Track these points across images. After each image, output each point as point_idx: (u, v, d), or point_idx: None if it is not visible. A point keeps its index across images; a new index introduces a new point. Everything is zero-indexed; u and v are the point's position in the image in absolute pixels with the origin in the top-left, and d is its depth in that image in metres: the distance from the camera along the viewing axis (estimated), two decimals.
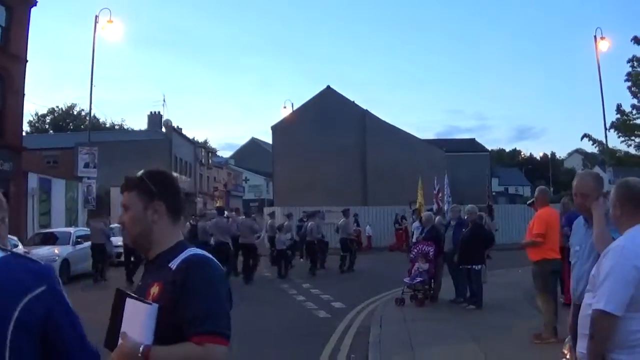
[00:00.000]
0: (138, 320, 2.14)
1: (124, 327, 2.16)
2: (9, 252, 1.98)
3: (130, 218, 2.40)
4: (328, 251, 21.72)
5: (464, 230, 12.22)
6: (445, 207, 23.50)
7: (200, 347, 2.10)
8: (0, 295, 1.84)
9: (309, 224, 20.85)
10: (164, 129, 53.63)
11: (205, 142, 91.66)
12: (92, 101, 28.60)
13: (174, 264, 2.25)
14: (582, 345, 3.09)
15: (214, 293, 2.20)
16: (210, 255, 2.32)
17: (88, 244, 20.09)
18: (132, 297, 2.22)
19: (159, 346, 2.11)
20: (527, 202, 10.44)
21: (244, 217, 19.63)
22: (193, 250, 2.31)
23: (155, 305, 2.16)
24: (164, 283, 2.23)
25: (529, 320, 9.55)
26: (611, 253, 3.05)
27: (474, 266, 11.60)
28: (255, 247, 18.38)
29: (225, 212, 20.88)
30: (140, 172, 2.44)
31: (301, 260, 21.97)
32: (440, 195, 23.86)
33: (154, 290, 2.24)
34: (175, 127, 55.31)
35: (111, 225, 21.46)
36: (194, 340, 2.11)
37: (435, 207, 23.04)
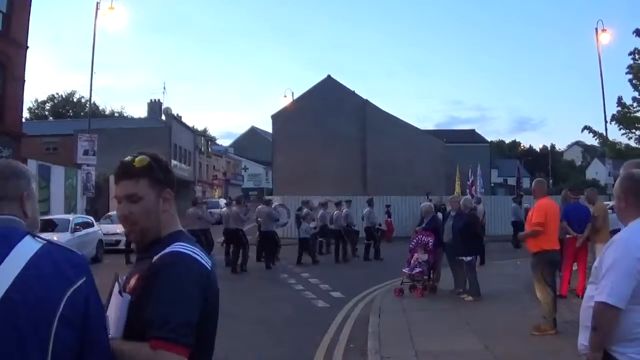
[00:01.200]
0: (115, 309, 2.11)
1: (108, 313, 2.11)
2: (46, 241, 1.91)
3: (143, 209, 2.22)
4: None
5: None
6: (478, 197, 24.01)
7: (152, 352, 1.94)
8: (47, 288, 1.80)
9: (335, 212, 21.10)
10: (163, 117, 53.59)
11: (205, 130, 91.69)
12: (92, 88, 28.55)
13: (156, 257, 2.13)
14: (584, 338, 3.08)
15: (181, 296, 2.01)
16: (196, 252, 2.15)
17: (87, 230, 20.16)
18: (118, 283, 2.18)
19: (120, 340, 2.03)
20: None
21: (263, 205, 19.78)
22: (177, 246, 2.15)
23: (127, 298, 2.09)
24: (141, 276, 2.13)
25: (528, 312, 9.56)
26: (614, 245, 3.03)
27: (464, 257, 11.59)
28: (274, 235, 19.00)
29: (231, 202, 20.80)
30: (139, 157, 2.25)
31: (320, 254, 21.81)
32: (474, 186, 24.58)
33: (133, 281, 2.16)
34: (175, 115, 55.24)
35: (109, 213, 21.42)
36: (151, 344, 1.95)
37: (469, 197, 23.73)
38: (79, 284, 1.86)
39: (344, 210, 21.02)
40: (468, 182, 25.13)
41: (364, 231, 21.47)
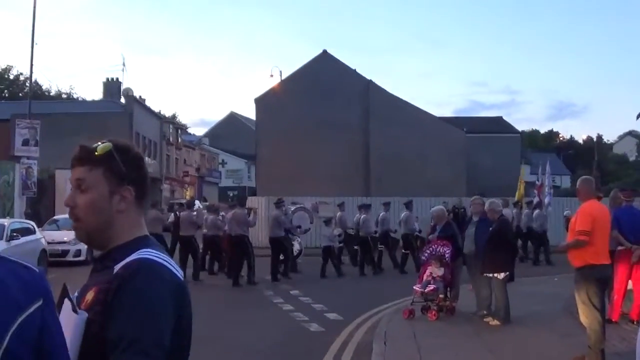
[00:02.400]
0: (68, 326, 2.05)
1: None
2: None
3: (89, 202, 2.23)
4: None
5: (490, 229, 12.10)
6: (547, 200, 24.31)
7: None
8: None
9: (362, 217, 21.82)
10: (123, 100, 53.42)
11: (174, 116, 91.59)
12: (34, 63, 28.37)
13: (118, 266, 2.12)
14: None
15: (152, 311, 2.02)
16: (166, 260, 2.17)
17: (27, 238, 20.00)
18: (69, 299, 2.15)
19: None
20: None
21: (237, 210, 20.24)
22: (144, 253, 2.15)
23: (83, 316, 2.06)
24: (100, 289, 2.11)
25: (568, 340, 9.51)
26: None
27: (495, 274, 11.51)
28: (282, 241, 19.85)
29: (228, 205, 22.03)
30: (103, 144, 2.26)
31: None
32: (542, 187, 25.00)
33: (89, 296, 2.14)
34: (138, 97, 55.13)
35: (55, 217, 21.33)
36: None
37: (536, 199, 24.14)
38: (32, 309, 1.78)
39: (380, 215, 22.29)
40: (537, 183, 25.50)
41: (380, 238, 22.21)
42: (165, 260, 2.16)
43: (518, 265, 20.35)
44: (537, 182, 25.80)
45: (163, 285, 2.09)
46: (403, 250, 21.67)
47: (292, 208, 22.82)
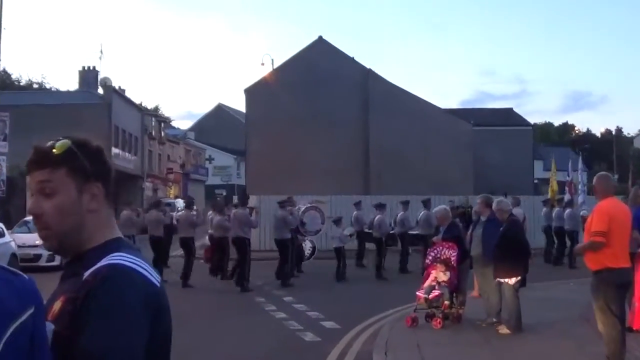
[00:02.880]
0: None
1: None
2: None
3: (58, 207, 2.20)
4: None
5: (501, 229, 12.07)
6: (580, 199, 24.43)
7: None
8: None
9: (377, 217, 22.14)
10: (101, 90, 53.32)
11: (157, 108, 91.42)
12: (1, 50, 28.22)
13: (87, 273, 2.10)
14: None
15: (125, 322, 2.00)
16: (141, 265, 2.16)
17: None
18: None
19: None
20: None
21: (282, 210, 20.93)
22: (116, 257, 2.13)
23: (50, 328, 2.03)
24: (67, 299, 2.09)
25: (585, 349, 9.52)
26: None
27: (506, 280, 11.51)
28: (287, 244, 20.08)
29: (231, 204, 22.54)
30: (60, 141, 2.23)
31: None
32: (572, 184, 25.19)
33: (57, 306, 2.12)
34: (117, 87, 54.98)
35: (26, 219, 21.34)
36: None
37: (567, 197, 24.24)
38: (24, 317, 1.83)
39: (399, 214, 22.89)
40: (568, 179, 25.68)
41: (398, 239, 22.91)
42: (138, 265, 2.14)
43: (543, 268, 20.59)
44: (567, 179, 25.95)
45: (136, 292, 2.06)
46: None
47: (302, 207, 23.12)
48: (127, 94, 58.98)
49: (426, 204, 23.08)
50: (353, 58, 44.65)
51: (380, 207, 22.62)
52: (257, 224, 20.47)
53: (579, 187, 25.49)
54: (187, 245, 19.97)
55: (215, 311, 15.72)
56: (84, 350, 1.95)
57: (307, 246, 22.85)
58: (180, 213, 21.67)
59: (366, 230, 23.07)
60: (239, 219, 19.10)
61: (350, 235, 22.42)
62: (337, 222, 21.75)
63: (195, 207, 21.89)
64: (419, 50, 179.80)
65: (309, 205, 24.06)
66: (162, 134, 66.38)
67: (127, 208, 20.74)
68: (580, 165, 26.30)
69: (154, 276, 2.17)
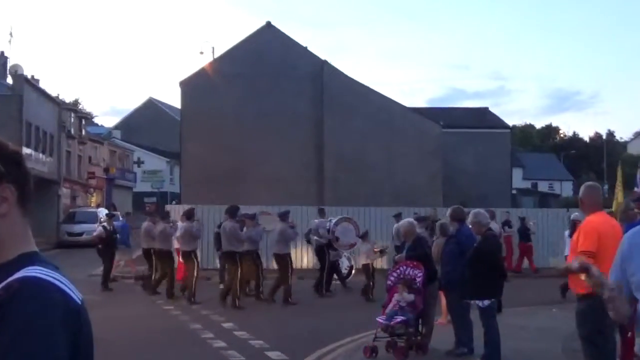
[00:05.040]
0: None
1: None
2: None
3: None
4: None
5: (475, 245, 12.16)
6: None
7: None
8: None
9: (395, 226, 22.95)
10: (10, 80, 52.71)
11: (76, 102, 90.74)
12: None
13: None
14: None
15: (41, 342, 2.00)
16: (60, 280, 2.17)
17: None
18: None
19: None
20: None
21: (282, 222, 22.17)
22: (31, 270, 2.14)
23: None
24: None
25: None
26: None
27: (478, 301, 11.55)
28: (287, 259, 21.40)
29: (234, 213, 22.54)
30: None
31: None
32: None
33: None
34: (29, 77, 54.34)
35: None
36: None
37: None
38: None
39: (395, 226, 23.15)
40: (637, 189, 26.25)
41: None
42: (57, 279, 2.15)
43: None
44: (636, 189, 26.56)
45: (53, 309, 2.07)
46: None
47: (334, 220, 23.57)
48: (42, 85, 58.40)
49: (398, 218, 23.57)
50: (306, 47, 44.71)
51: (397, 217, 23.87)
52: (249, 237, 20.98)
53: None
54: (190, 258, 21.21)
55: (142, 338, 15.56)
56: None
57: (343, 264, 23.26)
58: (182, 225, 22.29)
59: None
60: (229, 232, 20.24)
61: (381, 252, 22.71)
62: (364, 236, 22.56)
63: (196, 218, 22.52)
64: (382, 41, 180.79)
65: (341, 217, 24.52)
66: (83, 132, 65.75)
67: (156, 219, 22.74)
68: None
69: (74, 293, 2.18)
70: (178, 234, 21.69)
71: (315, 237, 23.33)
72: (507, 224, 28.58)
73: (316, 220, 24.26)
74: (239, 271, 20.03)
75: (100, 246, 24.76)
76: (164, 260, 22.05)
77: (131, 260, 27.63)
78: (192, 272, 20.83)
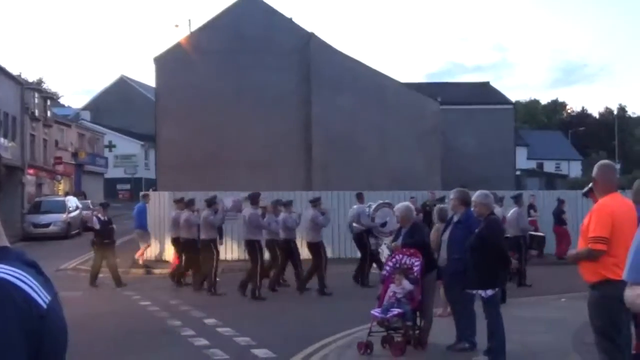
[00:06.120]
0: None
1: None
2: None
3: None
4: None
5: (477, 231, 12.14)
6: None
7: None
8: None
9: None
10: None
11: (40, 82, 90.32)
12: None
13: None
14: None
15: None
16: (25, 280, 2.12)
17: None
18: None
19: None
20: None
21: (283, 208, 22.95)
22: None
23: None
24: None
25: None
26: None
27: (482, 292, 11.54)
28: (320, 247, 22.11)
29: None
30: None
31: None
32: None
33: None
34: None
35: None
36: None
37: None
38: None
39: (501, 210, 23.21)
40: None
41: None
42: (22, 280, 2.10)
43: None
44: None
45: (9, 311, 2.03)
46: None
47: (373, 205, 23.92)
48: (2, 63, 58.15)
49: (360, 199, 24.60)
50: (291, 19, 44.67)
51: (359, 196, 24.58)
52: (269, 225, 21.97)
53: None
54: (209, 248, 21.83)
55: (120, 338, 15.57)
56: None
57: (384, 252, 23.30)
58: (204, 213, 22.76)
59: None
60: (250, 220, 20.96)
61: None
62: (384, 225, 22.91)
63: (217, 206, 22.85)
64: (375, 11, 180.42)
65: (381, 202, 24.71)
66: (48, 113, 65.59)
67: (187, 208, 23.34)
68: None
69: (41, 296, 2.13)
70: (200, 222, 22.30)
71: (355, 224, 23.54)
72: (532, 207, 28.70)
73: (355, 206, 24.50)
74: (260, 261, 20.65)
75: (94, 239, 24.44)
76: (189, 250, 22.77)
77: (146, 246, 28.20)
78: (212, 263, 21.48)
